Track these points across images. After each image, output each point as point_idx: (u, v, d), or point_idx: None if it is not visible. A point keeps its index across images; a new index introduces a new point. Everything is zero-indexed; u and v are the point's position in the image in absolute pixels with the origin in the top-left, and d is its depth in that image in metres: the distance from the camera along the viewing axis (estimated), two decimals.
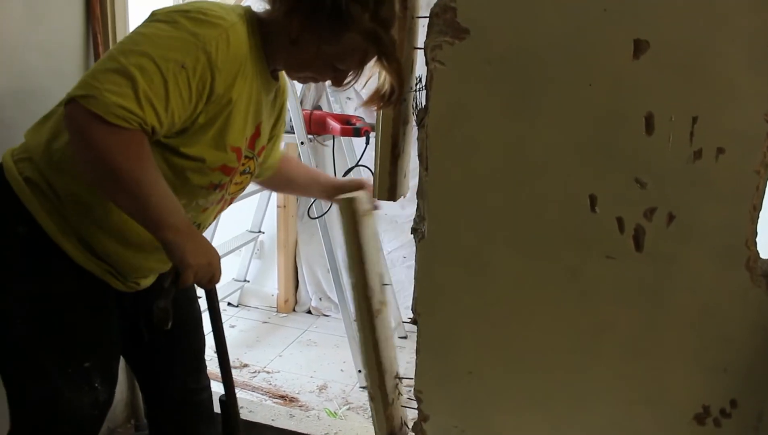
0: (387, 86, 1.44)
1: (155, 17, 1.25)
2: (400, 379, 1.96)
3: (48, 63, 1.88)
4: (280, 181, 1.79)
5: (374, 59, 1.42)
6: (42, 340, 1.32)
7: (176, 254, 1.22)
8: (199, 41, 1.20)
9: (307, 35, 1.33)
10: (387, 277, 3.14)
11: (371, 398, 1.91)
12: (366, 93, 1.49)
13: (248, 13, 1.36)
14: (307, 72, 1.45)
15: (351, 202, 1.54)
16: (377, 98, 1.46)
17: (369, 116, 3.02)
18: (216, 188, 1.41)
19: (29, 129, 1.43)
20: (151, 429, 1.69)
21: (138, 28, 1.25)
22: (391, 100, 1.44)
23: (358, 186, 1.67)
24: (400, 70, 1.42)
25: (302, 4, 1.30)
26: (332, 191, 1.72)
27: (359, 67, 1.42)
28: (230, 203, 1.58)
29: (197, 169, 1.32)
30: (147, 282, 1.50)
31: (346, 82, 1.46)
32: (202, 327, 1.73)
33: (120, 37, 2.06)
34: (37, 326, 1.31)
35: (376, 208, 1.69)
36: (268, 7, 1.36)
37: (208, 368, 1.80)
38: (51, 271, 1.31)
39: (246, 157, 1.44)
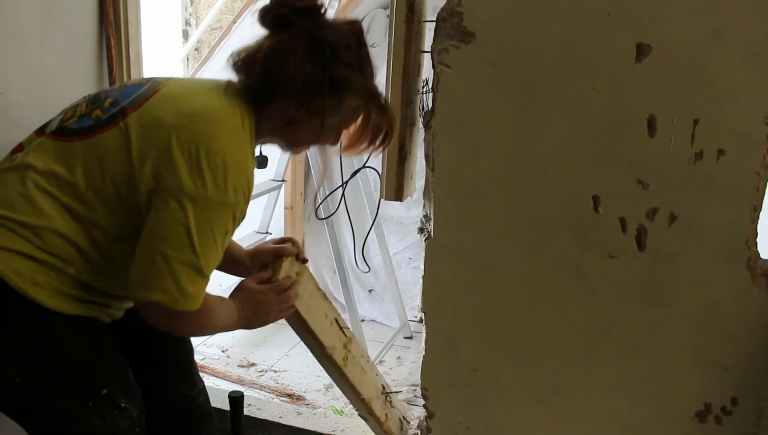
0: (381, 132, 1.42)
1: (194, 203, 1.19)
2: (386, 393, 1.97)
3: (62, 64, 1.91)
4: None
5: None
6: (49, 386, 1.26)
7: (256, 326, 1.43)
8: (233, 205, 1.22)
9: (307, 115, 1.31)
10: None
11: (366, 420, 1.93)
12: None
13: (240, 103, 1.29)
14: (309, 144, 1.45)
15: (272, 279, 1.44)
16: (367, 144, 1.43)
17: None
18: None
19: None
20: None
21: (174, 204, 1.19)
22: (386, 143, 1.44)
23: (275, 251, 1.54)
24: (392, 114, 1.41)
25: (300, 92, 1.27)
26: (249, 260, 1.62)
27: (360, 125, 1.42)
28: None
29: None
30: (120, 313, 1.45)
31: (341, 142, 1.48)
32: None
33: (132, 42, 2.10)
34: (39, 375, 1.25)
35: (305, 261, 1.62)
36: (249, 94, 1.30)
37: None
38: (25, 320, 1.24)
39: None
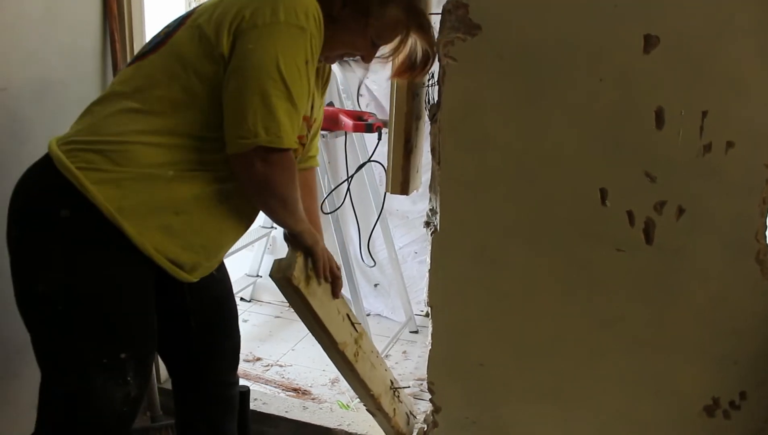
0: (420, 54, 1.48)
1: (261, 29, 1.27)
2: (395, 389, 1.97)
3: (66, 61, 1.91)
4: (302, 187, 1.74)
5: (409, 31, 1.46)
6: (81, 324, 1.29)
7: (308, 240, 1.47)
8: (306, 29, 1.28)
9: (351, 13, 1.38)
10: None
11: (373, 415, 1.92)
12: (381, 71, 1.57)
13: None
14: (344, 50, 1.48)
15: (287, 274, 1.43)
16: (408, 67, 1.51)
17: (381, 112, 3.03)
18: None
19: (94, 117, 1.37)
20: (180, 418, 1.69)
21: (252, 43, 1.27)
22: (427, 67, 1.50)
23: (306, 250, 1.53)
24: (433, 36, 1.46)
25: None
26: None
27: (396, 41, 1.47)
28: None
29: None
30: (198, 275, 1.45)
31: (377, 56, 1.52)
32: (238, 323, 1.74)
33: (137, 36, 2.09)
34: (78, 311, 1.28)
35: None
36: None
37: None
38: (96, 255, 1.29)
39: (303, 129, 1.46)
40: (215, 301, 1.63)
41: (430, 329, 1.83)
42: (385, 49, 1.51)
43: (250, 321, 3.40)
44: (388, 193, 1.85)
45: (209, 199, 1.36)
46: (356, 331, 1.75)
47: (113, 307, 1.31)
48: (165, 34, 1.38)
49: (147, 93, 1.31)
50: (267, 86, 1.24)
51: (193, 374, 1.63)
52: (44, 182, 1.30)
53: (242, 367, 2.79)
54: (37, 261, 1.29)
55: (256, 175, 1.30)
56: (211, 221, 1.39)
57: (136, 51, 2.09)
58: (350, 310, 1.75)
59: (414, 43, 1.47)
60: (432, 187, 1.73)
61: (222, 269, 1.66)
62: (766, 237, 1.50)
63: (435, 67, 1.64)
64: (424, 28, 1.45)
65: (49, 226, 1.27)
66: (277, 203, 1.39)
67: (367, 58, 1.48)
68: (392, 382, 1.96)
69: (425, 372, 1.87)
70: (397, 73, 1.55)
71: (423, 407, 2.35)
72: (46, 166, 1.30)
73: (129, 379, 1.34)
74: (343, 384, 2.66)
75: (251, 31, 1.25)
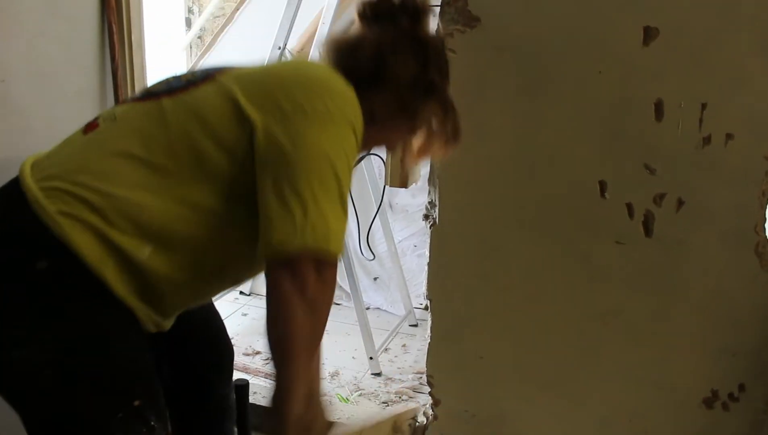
0: (449, 138, 1.33)
1: (312, 118, 1.08)
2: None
3: (64, 52, 1.90)
4: None
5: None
6: (80, 385, 1.10)
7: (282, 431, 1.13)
8: (352, 121, 1.13)
9: (392, 112, 1.25)
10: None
11: None
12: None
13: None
14: (375, 145, 1.39)
15: None
16: (436, 147, 1.34)
17: None
18: None
19: (70, 150, 1.17)
20: (176, 424, 1.57)
21: (301, 130, 1.07)
22: (453, 146, 1.34)
23: None
24: (460, 125, 1.33)
25: (398, 89, 1.22)
26: None
27: (430, 131, 1.33)
28: None
29: None
30: (169, 324, 1.32)
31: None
32: (226, 336, 1.61)
33: (135, 29, 2.08)
34: (71, 371, 1.09)
35: None
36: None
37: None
38: (80, 306, 1.10)
39: None
40: (202, 322, 1.52)
41: (429, 322, 1.83)
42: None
43: (249, 315, 3.40)
44: (387, 187, 1.85)
45: (185, 284, 1.19)
46: None
47: (110, 356, 1.13)
48: (187, 80, 1.18)
49: (152, 142, 1.11)
50: (314, 181, 1.05)
51: (188, 394, 1.52)
52: (16, 225, 1.10)
53: (242, 360, 2.79)
54: (9, 320, 1.09)
55: (309, 290, 1.05)
56: (187, 297, 1.26)
57: (134, 43, 2.09)
58: None
59: (443, 125, 1.33)
60: (431, 181, 1.73)
61: (207, 311, 1.53)
62: (765, 229, 1.50)
63: None
64: (454, 113, 1.32)
65: (22, 279, 1.08)
66: (306, 341, 1.09)
67: (397, 148, 1.39)
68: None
69: (425, 365, 1.87)
70: (423, 153, 1.38)
71: (422, 400, 2.35)
72: (18, 203, 1.09)
73: (153, 423, 1.16)
74: (343, 377, 2.66)
75: (299, 117, 1.07)
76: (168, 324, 1.29)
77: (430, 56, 1.24)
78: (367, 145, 1.33)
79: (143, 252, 1.10)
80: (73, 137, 1.20)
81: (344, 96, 1.13)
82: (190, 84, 1.17)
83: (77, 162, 1.12)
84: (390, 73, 1.21)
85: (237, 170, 1.10)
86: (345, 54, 1.23)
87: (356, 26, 1.27)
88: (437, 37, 1.30)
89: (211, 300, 1.53)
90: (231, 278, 1.28)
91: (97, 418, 1.11)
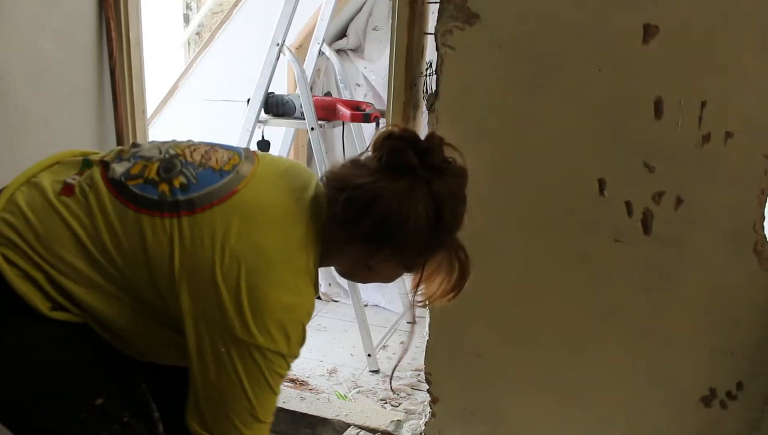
0: (455, 282, 1.24)
1: (244, 351, 1.08)
2: None
3: (62, 48, 1.89)
4: None
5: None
6: (30, 394, 1.13)
7: None
8: (288, 354, 1.12)
9: (392, 265, 1.20)
10: None
11: None
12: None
13: (313, 220, 1.15)
14: (368, 282, 1.39)
15: None
16: (440, 292, 1.26)
17: (378, 102, 3.02)
18: None
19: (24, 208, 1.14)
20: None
21: (253, 365, 1.09)
22: (460, 289, 1.26)
23: None
24: (468, 267, 1.25)
25: (404, 247, 1.14)
26: None
27: (434, 272, 1.25)
28: None
29: None
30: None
31: None
32: None
33: (132, 25, 2.07)
34: (19, 380, 1.13)
35: None
36: (343, 231, 1.15)
37: None
38: (25, 318, 1.12)
39: None
40: None
41: (427, 320, 1.83)
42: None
43: None
44: None
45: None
46: None
47: (56, 360, 1.15)
48: (159, 199, 1.12)
49: (104, 246, 1.11)
50: (229, 400, 1.11)
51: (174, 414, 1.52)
52: None
53: None
54: None
55: None
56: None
57: (132, 40, 2.08)
58: None
59: (450, 270, 1.25)
60: None
61: None
62: (764, 227, 1.50)
63: (433, 56, 1.63)
64: (461, 259, 1.23)
65: None
66: None
67: (390, 282, 1.34)
68: None
69: (423, 362, 1.87)
70: (434, 297, 1.29)
71: (421, 398, 2.35)
72: None
73: (126, 419, 1.18)
74: (341, 374, 2.66)
75: (223, 333, 1.07)
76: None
77: (445, 217, 1.12)
78: (360, 281, 1.39)
79: (83, 318, 1.14)
80: (48, 193, 1.15)
81: (288, 318, 1.10)
82: (157, 208, 1.11)
83: (46, 244, 1.11)
84: (396, 237, 1.12)
85: (165, 309, 1.13)
86: (354, 207, 1.12)
87: (371, 165, 1.14)
88: (457, 178, 1.15)
89: None
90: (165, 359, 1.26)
91: (59, 422, 1.14)
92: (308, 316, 1.15)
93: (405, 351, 1.81)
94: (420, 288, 1.25)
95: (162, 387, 1.33)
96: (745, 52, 1.40)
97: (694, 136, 1.46)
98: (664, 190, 1.51)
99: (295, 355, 1.14)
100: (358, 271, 1.25)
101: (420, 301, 1.30)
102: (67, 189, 1.15)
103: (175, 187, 1.12)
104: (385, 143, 1.13)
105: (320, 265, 1.20)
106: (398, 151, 1.11)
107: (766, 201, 1.48)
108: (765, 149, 1.44)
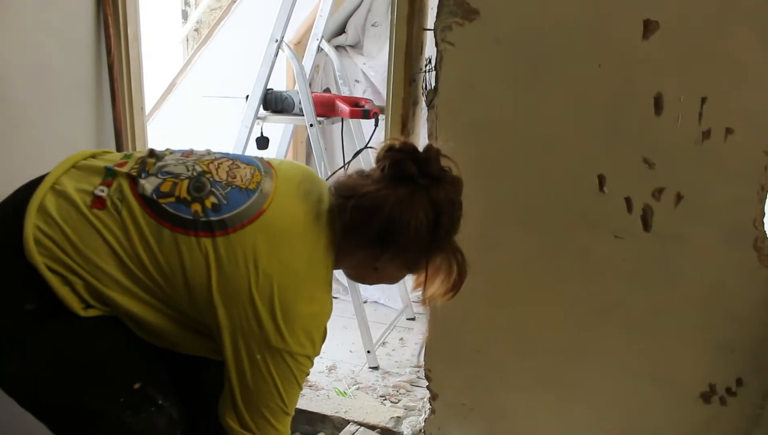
0: (453, 283, 1.37)
1: (278, 356, 1.20)
2: None
3: (59, 44, 1.88)
4: None
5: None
6: (73, 383, 1.21)
7: None
8: (313, 355, 1.25)
9: (397, 267, 1.32)
10: None
11: None
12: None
13: (329, 232, 1.26)
14: (375, 283, 1.46)
15: None
16: (439, 292, 1.39)
17: (378, 98, 3.02)
18: None
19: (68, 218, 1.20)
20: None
21: (260, 356, 1.20)
22: (455, 292, 1.39)
23: None
24: (466, 270, 1.36)
25: (408, 250, 1.26)
26: None
27: (432, 274, 1.37)
28: None
29: None
30: None
31: None
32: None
33: (131, 22, 2.06)
34: (62, 372, 1.21)
35: None
36: (352, 237, 1.27)
37: None
38: (61, 316, 1.20)
39: None
40: None
41: (427, 316, 1.83)
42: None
43: None
44: None
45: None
46: None
47: (96, 349, 1.24)
48: (193, 218, 1.19)
49: (141, 263, 1.19)
50: (262, 398, 1.23)
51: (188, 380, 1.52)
52: (10, 269, 1.20)
53: None
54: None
55: None
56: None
57: (130, 36, 2.07)
58: None
59: (449, 272, 1.37)
60: None
61: None
62: (764, 224, 1.50)
63: (432, 53, 1.63)
64: (459, 263, 1.35)
65: (10, 316, 1.20)
66: None
67: (395, 283, 1.49)
68: None
69: (422, 359, 1.87)
70: (432, 297, 1.40)
71: (420, 394, 2.35)
72: (15, 247, 1.17)
73: (161, 402, 1.28)
74: (341, 371, 2.66)
75: (258, 342, 1.19)
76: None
77: (442, 220, 1.24)
78: (367, 282, 1.47)
79: (113, 313, 1.23)
80: (80, 206, 1.20)
81: (314, 324, 1.23)
82: (192, 228, 1.19)
83: (84, 255, 1.18)
84: (399, 240, 1.23)
85: (202, 319, 1.23)
86: (361, 215, 1.23)
87: (376, 175, 1.26)
88: (453, 185, 1.28)
89: None
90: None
91: (100, 406, 1.23)
92: (328, 318, 1.28)
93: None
94: (421, 289, 1.36)
95: (187, 372, 1.45)
96: (746, 48, 1.39)
97: (695, 132, 1.46)
98: (664, 187, 1.51)
99: (318, 354, 1.26)
100: (365, 273, 1.37)
101: (421, 301, 1.41)
102: (99, 202, 1.21)
103: (207, 208, 1.20)
104: (387, 155, 1.25)
105: (333, 269, 1.32)
106: (399, 162, 1.23)
107: (766, 197, 1.47)
108: (765, 145, 1.43)
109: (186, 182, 1.23)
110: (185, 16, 5.15)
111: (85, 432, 1.26)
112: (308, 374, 1.27)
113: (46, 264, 1.16)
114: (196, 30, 4.92)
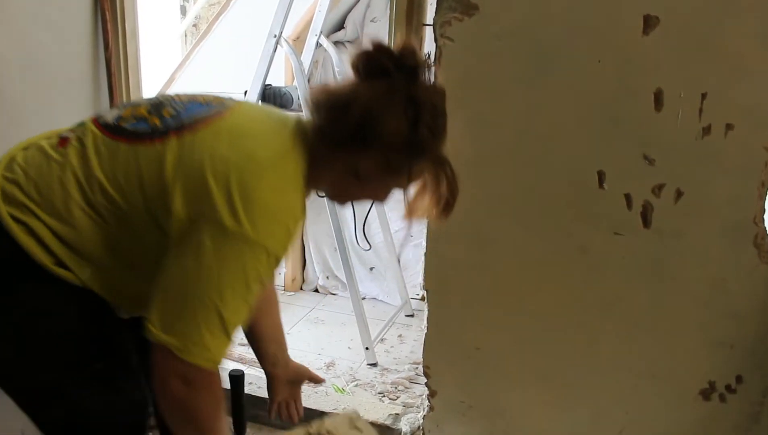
0: (443, 199, 1.26)
1: (229, 238, 1.08)
2: None
3: (57, 39, 1.88)
4: (255, 324, 1.56)
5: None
6: (39, 354, 1.18)
7: None
8: (271, 253, 1.11)
9: (379, 172, 1.20)
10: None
11: None
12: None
13: (298, 138, 1.19)
14: (359, 199, 1.38)
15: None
16: (430, 206, 1.28)
17: None
18: None
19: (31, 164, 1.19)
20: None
21: (207, 250, 1.08)
22: (448, 210, 1.28)
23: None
24: (457, 183, 1.26)
25: (386, 149, 1.16)
26: (283, 372, 1.61)
27: (422, 188, 1.29)
28: None
29: None
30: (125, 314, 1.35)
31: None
32: None
33: (128, 15, 2.06)
34: (20, 344, 1.17)
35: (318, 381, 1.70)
36: (327, 140, 1.18)
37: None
38: (34, 284, 1.16)
39: None
40: None
41: (425, 313, 1.82)
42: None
43: None
44: None
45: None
46: None
47: (63, 325, 1.20)
48: (150, 129, 1.17)
49: (99, 184, 1.14)
50: (197, 290, 1.08)
51: None
52: None
53: (238, 350, 2.78)
54: None
55: (170, 387, 1.10)
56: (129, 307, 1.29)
57: (128, 31, 2.07)
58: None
59: (437, 186, 1.27)
60: None
61: None
62: (764, 220, 1.49)
63: (431, 48, 1.62)
64: (448, 174, 1.25)
65: None
66: (198, 421, 1.15)
67: (381, 201, 1.34)
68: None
69: (421, 356, 1.87)
70: (418, 213, 1.32)
71: (419, 391, 2.35)
72: None
73: (122, 385, 1.25)
74: (339, 367, 2.66)
75: (210, 225, 1.08)
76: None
77: (423, 117, 1.16)
78: (351, 199, 1.38)
79: (84, 273, 1.17)
80: (45, 148, 1.20)
81: (275, 216, 1.11)
82: (148, 137, 1.16)
83: (45, 194, 1.16)
84: (378, 135, 1.15)
85: (162, 237, 1.14)
86: (334, 112, 1.17)
87: (349, 79, 1.20)
88: (436, 91, 1.22)
89: None
90: None
91: (60, 381, 1.19)
92: (294, 223, 1.16)
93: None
94: (412, 205, 1.28)
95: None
96: (746, 44, 1.38)
97: (695, 128, 1.45)
98: (664, 183, 1.51)
99: (277, 257, 1.13)
100: (347, 186, 1.25)
101: (414, 220, 1.32)
102: (63, 141, 1.20)
103: (165, 117, 1.18)
104: (360, 56, 1.18)
105: (311, 188, 1.24)
106: (372, 57, 1.16)
107: (766, 193, 1.47)
108: (765, 141, 1.43)
109: (146, 105, 1.22)
110: (184, 11, 5.14)
111: (43, 410, 1.23)
112: (261, 280, 1.12)
113: (10, 214, 1.13)
114: (194, 25, 4.91)
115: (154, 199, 1.13)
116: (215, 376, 1.13)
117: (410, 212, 1.31)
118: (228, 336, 1.10)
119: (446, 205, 1.26)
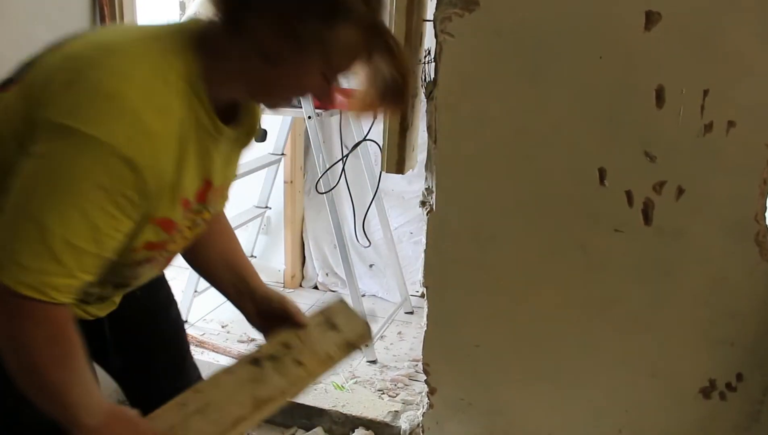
0: (389, 81, 1.02)
1: (50, 134, 0.90)
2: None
3: (54, 35, 1.86)
4: (199, 253, 1.33)
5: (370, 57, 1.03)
6: None
7: None
8: (119, 152, 0.89)
9: (288, 47, 0.96)
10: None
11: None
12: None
13: (182, 35, 1.01)
14: (289, 94, 1.13)
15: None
16: (374, 100, 1.05)
17: None
18: (143, 263, 1.12)
19: None
20: None
21: (37, 157, 0.90)
22: (400, 97, 1.05)
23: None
24: (405, 59, 1.03)
25: (283, 12, 0.94)
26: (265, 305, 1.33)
27: (354, 70, 1.05)
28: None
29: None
30: (102, 311, 1.24)
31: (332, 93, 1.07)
32: (182, 329, 1.51)
33: (127, 13, 2.05)
34: None
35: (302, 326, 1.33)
36: (216, 18, 0.99)
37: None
38: None
39: (194, 211, 1.11)
40: (144, 321, 1.40)
41: (425, 310, 1.82)
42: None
43: None
44: (383, 173, 1.82)
45: None
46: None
47: None
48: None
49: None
50: (21, 200, 0.90)
51: (142, 394, 1.41)
52: None
53: (237, 348, 2.78)
54: None
55: None
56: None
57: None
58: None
59: (378, 69, 1.03)
60: (428, 166, 1.71)
61: (148, 286, 1.30)
62: (765, 218, 1.48)
63: (432, 44, 1.61)
64: (390, 49, 1.01)
65: None
66: (29, 362, 0.94)
67: (322, 96, 1.08)
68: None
69: (420, 353, 1.86)
70: (360, 107, 1.09)
71: (418, 388, 2.35)
72: None
73: None
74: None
75: (47, 129, 0.90)
76: (99, 311, 1.22)
77: None
78: (278, 96, 1.09)
79: None
80: None
81: (123, 107, 0.90)
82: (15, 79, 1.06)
83: None
84: None
85: None
86: None
87: None
88: None
89: (159, 275, 1.37)
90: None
91: (11, 407, 1.07)
92: (161, 120, 0.93)
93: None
94: (353, 96, 1.06)
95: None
96: (748, 41, 1.38)
97: (696, 125, 1.44)
98: (665, 180, 1.50)
99: (129, 159, 0.89)
100: (260, 76, 1.02)
101: (362, 118, 1.11)
102: None
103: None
104: None
105: (219, 90, 1.03)
106: None
107: (767, 191, 1.46)
108: (767, 139, 1.42)
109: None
110: (183, 7, 5.13)
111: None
112: (106, 188, 0.89)
113: None
114: None
115: (18, 136, 0.96)
116: (49, 310, 0.92)
117: (354, 106, 1.07)
118: (56, 258, 0.89)
119: (395, 90, 1.03)
